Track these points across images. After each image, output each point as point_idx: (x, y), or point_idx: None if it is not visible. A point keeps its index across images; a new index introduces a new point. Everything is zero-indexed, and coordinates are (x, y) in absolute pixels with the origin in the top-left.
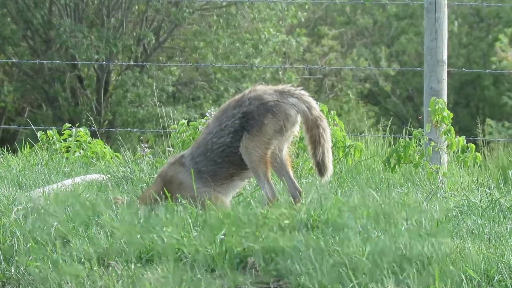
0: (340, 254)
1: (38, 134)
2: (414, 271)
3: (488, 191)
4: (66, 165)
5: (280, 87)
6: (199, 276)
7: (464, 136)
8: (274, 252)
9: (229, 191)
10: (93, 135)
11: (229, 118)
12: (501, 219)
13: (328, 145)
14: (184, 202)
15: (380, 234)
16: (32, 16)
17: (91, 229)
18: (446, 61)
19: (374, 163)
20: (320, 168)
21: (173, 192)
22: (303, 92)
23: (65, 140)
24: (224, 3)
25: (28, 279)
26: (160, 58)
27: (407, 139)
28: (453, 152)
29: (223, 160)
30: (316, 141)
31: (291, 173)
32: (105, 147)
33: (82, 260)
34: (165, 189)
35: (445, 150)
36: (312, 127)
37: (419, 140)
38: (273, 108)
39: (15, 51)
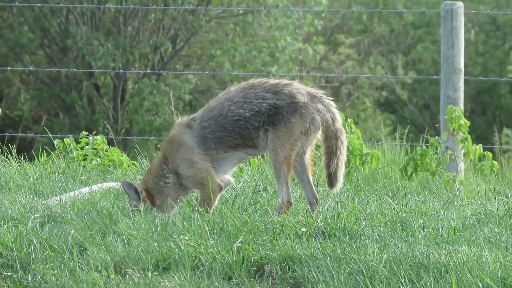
0: (357, 262)
1: (55, 142)
2: (431, 279)
3: (505, 199)
4: (83, 173)
5: (313, 90)
6: (216, 284)
7: (481, 144)
8: (291, 260)
9: (230, 163)
10: (110, 143)
11: (257, 97)
12: None
13: (343, 158)
14: (201, 210)
15: (397, 242)
16: (49, 24)
17: (108, 237)
18: (462, 69)
19: (391, 171)
20: (331, 179)
21: (173, 152)
22: (332, 102)
23: (82, 148)
24: (240, 11)
25: (45, 287)
26: (177, 66)
27: (424, 147)
28: (470, 160)
29: (233, 129)
30: (332, 152)
31: (311, 178)
32: (122, 155)
33: (99, 268)
34: (167, 149)
35: (462, 158)
36: (331, 138)
37: (436, 148)
38: (301, 109)
39: (32, 60)
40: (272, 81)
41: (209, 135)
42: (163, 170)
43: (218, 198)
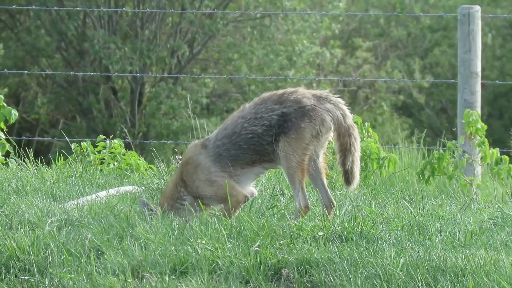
0: (374, 265)
1: (72, 146)
2: (448, 282)
3: None
4: (100, 177)
5: (318, 92)
6: None
7: (498, 148)
8: (309, 263)
9: (248, 178)
10: (127, 147)
11: (267, 111)
12: None
13: (357, 154)
14: (218, 213)
15: (414, 246)
16: (66, 28)
17: (126, 241)
18: (479, 73)
19: (408, 175)
20: (348, 176)
21: (190, 175)
22: (339, 99)
23: (99, 152)
24: (258, 15)
25: None
26: (194, 70)
27: (441, 151)
28: (487, 164)
29: (248, 147)
30: (346, 150)
31: (325, 182)
32: (139, 159)
33: (117, 272)
34: (183, 171)
35: (479, 162)
36: (344, 135)
37: (453, 152)
38: (310, 112)
39: (49, 63)
40: (279, 91)
41: (223, 153)
42: (180, 192)
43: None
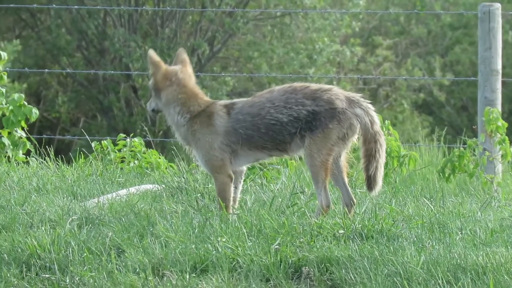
0: (394, 263)
1: (93, 144)
2: (469, 280)
3: None
4: (121, 176)
5: (351, 94)
6: (254, 285)
7: None
8: (329, 261)
9: (247, 161)
10: (148, 145)
11: (297, 103)
12: None
13: (382, 161)
14: (238, 212)
15: (434, 244)
16: (86, 26)
17: (146, 239)
18: (500, 71)
19: (428, 173)
20: (370, 182)
21: (201, 123)
22: (370, 105)
23: (119, 150)
24: (278, 13)
25: None
26: (214, 68)
27: (461, 149)
28: (508, 162)
29: (266, 132)
30: (371, 155)
31: (346, 180)
32: (159, 158)
33: (137, 270)
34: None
35: (500, 160)
36: (370, 141)
37: (474, 150)
38: (340, 115)
39: (69, 62)
40: (313, 86)
41: (240, 129)
42: (190, 107)
43: (239, 190)
